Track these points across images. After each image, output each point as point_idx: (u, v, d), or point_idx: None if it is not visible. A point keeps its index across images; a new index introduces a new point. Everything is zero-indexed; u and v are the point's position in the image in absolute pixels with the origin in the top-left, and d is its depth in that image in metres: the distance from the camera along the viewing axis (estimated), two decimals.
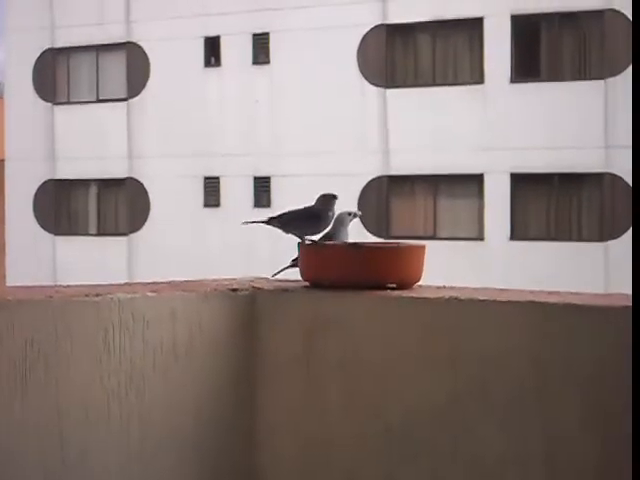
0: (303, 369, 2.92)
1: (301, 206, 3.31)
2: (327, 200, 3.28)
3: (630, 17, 18.99)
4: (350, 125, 21.92)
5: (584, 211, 20.82)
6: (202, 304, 2.91)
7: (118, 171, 24.34)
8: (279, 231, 3.32)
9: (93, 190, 24.94)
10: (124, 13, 24.32)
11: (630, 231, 17.80)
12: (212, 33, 23.30)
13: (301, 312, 2.94)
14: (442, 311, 2.73)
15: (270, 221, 3.32)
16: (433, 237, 20.95)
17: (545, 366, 2.56)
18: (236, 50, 23.08)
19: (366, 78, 22.09)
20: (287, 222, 3.26)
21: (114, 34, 24.37)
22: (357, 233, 3.35)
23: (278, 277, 3.31)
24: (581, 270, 19.78)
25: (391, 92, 21.97)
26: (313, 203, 3.29)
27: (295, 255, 3.24)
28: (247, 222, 3.63)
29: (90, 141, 24.41)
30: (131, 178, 24.27)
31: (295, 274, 3.14)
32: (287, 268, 3.46)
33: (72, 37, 24.68)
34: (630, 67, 19.10)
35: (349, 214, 3.35)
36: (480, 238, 21.28)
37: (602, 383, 2.49)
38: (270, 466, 2.98)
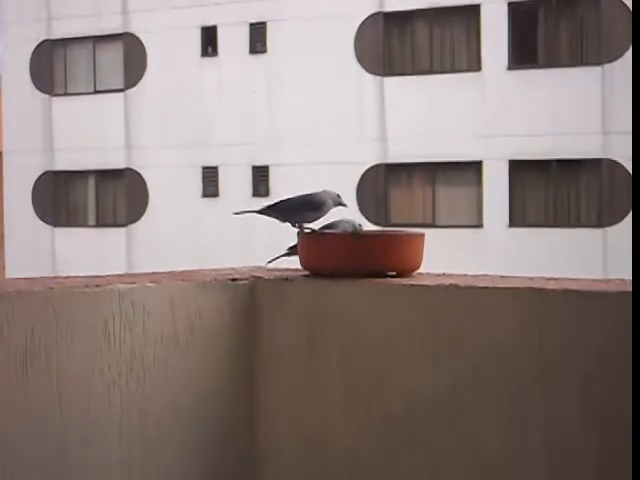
0: (303, 357, 2.92)
1: (297, 194, 3.28)
2: (327, 194, 3.25)
3: (626, 3, 18.98)
4: (348, 114, 21.91)
5: (583, 197, 20.81)
6: (202, 294, 2.91)
7: (116, 162, 24.32)
8: (276, 220, 3.28)
9: (91, 181, 24.92)
10: (121, 4, 24.28)
11: (629, 216, 17.81)
12: (209, 23, 23.26)
13: (301, 301, 2.94)
14: (442, 298, 2.73)
15: (263, 211, 3.25)
16: (432, 225, 20.95)
17: (544, 352, 2.56)
18: (233, 39, 23.04)
19: (363, 66, 22.06)
20: (283, 210, 3.21)
21: (111, 25, 24.33)
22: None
23: (278, 266, 3.30)
24: (580, 256, 19.79)
25: (388, 80, 21.94)
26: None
27: (292, 243, 3.23)
28: (238, 212, 3.56)
29: (88, 132, 24.38)
30: (129, 169, 24.25)
31: (294, 263, 3.14)
32: (283, 256, 3.44)
33: (69, 28, 24.63)
34: (628, 52, 19.08)
35: (347, 222, 3.30)
36: (479, 225, 21.28)
37: (602, 369, 2.49)
38: (271, 454, 2.99)
